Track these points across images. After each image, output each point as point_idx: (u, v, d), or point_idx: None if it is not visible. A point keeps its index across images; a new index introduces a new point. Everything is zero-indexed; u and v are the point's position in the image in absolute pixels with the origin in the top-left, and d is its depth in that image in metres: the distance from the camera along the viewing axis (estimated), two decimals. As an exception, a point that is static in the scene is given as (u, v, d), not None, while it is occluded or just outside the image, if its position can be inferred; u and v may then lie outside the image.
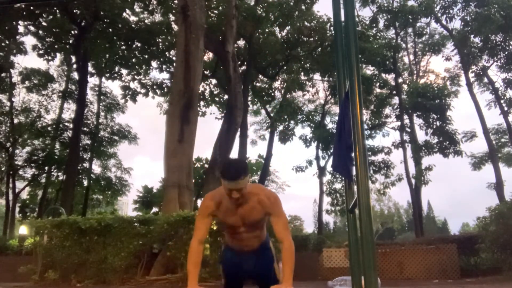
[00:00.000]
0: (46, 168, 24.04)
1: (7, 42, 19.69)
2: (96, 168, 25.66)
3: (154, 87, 22.95)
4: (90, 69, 22.66)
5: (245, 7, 19.65)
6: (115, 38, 21.21)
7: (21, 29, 20.43)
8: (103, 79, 24.38)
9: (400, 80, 22.13)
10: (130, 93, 23.07)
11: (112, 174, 26.09)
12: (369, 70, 21.29)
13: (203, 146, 58.60)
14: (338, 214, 23.29)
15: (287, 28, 21.25)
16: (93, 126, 24.76)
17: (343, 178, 3.47)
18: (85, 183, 24.16)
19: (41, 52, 21.19)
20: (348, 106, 2.71)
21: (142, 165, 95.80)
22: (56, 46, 21.66)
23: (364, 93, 19.16)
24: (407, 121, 20.82)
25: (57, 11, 19.71)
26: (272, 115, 24.54)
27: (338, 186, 21.90)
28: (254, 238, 2.81)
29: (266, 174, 23.75)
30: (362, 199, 2.31)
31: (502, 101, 19.59)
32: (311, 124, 24.27)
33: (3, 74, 21.30)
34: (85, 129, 23.43)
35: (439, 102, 18.94)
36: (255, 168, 28.29)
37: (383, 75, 21.64)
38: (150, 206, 29.38)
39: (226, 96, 20.28)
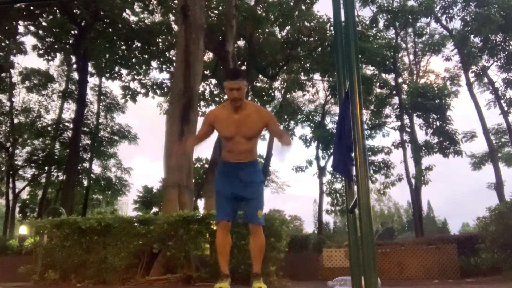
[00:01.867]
0: (46, 168, 24.04)
1: (7, 42, 19.69)
2: (96, 168, 25.70)
3: (154, 87, 22.95)
4: (90, 69, 22.65)
5: (245, 7, 19.64)
6: (115, 38, 21.20)
7: (21, 29, 20.47)
8: (103, 79, 24.39)
9: (400, 80, 22.13)
10: (130, 93, 23.06)
11: (112, 174, 26.13)
12: (369, 70, 21.29)
13: (203, 146, 58.53)
14: (338, 214, 23.29)
15: (287, 28, 21.25)
16: (93, 126, 24.75)
17: (343, 178, 3.47)
18: (85, 183, 24.15)
19: (41, 52, 21.18)
20: (348, 106, 2.70)
21: (141, 165, 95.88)
22: (56, 46, 21.65)
23: (364, 93, 19.16)
24: (407, 121, 20.81)
25: (57, 11, 19.71)
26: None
27: (338, 186, 21.91)
28: (247, 151, 3.21)
29: (266, 174, 23.75)
30: (362, 199, 2.31)
31: (502, 101, 19.59)
32: (311, 124, 24.28)
33: (3, 74, 21.29)
34: (85, 129, 23.42)
35: (439, 102, 18.94)
36: (255, 168, 28.25)
37: (383, 75, 21.64)
38: (150, 206, 29.38)
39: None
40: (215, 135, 3.38)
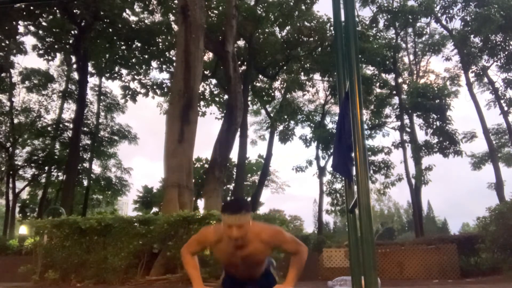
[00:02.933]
0: (46, 168, 24.04)
1: (7, 42, 19.69)
2: (96, 168, 25.70)
3: (154, 87, 22.96)
4: (90, 69, 22.66)
5: (245, 7, 19.64)
6: (115, 38, 21.21)
7: (21, 29, 20.48)
8: (103, 79, 24.39)
9: (400, 80, 22.12)
10: (130, 93, 23.07)
11: (112, 174, 26.13)
12: (369, 70, 21.28)
13: (203, 146, 58.59)
14: (338, 214, 23.27)
15: (287, 28, 21.26)
16: (93, 126, 24.75)
17: (343, 178, 3.47)
18: (85, 183, 24.16)
19: (41, 52, 21.20)
20: (348, 106, 2.70)
21: (141, 166, 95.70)
22: (56, 46, 21.66)
23: (364, 93, 19.16)
24: (407, 121, 20.80)
25: (57, 11, 19.71)
26: (272, 115, 24.54)
27: (338, 186, 21.89)
28: (255, 272, 2.70)
29: (266, 174, 23.76)
30: (362, 199, 2.31)
31: (502, 101, 19.59)
32: (311, 124, 24.27)
33: (3, 74, 21.29)
34: (85, 129, 23.43)
35: (439, 102, 18.93)
36: (255, 168, 28.31)
37: (383, 75, 21.63)
38: (150, 206, 29.39)
39: (226, 96, 20.29)
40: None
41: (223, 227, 2.40)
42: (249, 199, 22.03)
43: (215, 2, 19.91)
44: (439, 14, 20.43)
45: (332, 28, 14.71)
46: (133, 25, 21.22)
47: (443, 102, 18.98)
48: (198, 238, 2.66)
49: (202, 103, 22.46)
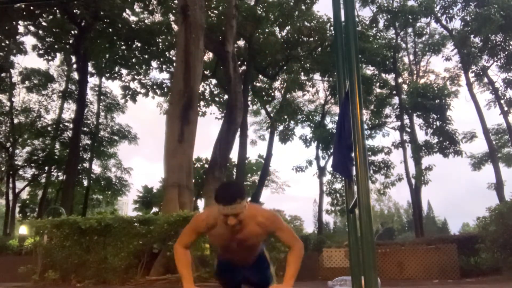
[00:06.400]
0: (46, 168, 24.05)
1: (7, 42, 19.69)
2: (96, 168, 25.71)
3: (154, 87, 22.95)
4: (90, 69, 22.66)
5: (245, 7, 19.64)
6: (115, 38, 21.19)
7: (21, 29, 20.47)
8: (103, 79, 24.39)
9: (400, 80, 22.12)
10: (130, 93, 23.07)
11: (112, 174, 26.14)
12: (369, 70, 21.29)
13: (203, 146, 58.67)
14: (338, 214, 23.28)
15: (287, 28, 21.25)
16: (93, 126, 24.76)
17: (343, 178, 3.47)
18: (85, 183, 24.17)
19: (41, 52, 21.20)
20: (348, 106, 2.71)
21: (140, 166, 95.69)
22: (56, 46, 21.66)
23: (364, 93, 19.15)
24: (407, 121, 20.80)
25: (57, 11, 19.71)
26: (272, 115, 24.54)
27: (338, 186, 21.88)
28: (249, 256, 2.72)
29: (266, 174, 23.75)
30: (362, 199, 2.31)
31: (502, 101, 19.58)
32: (311, 124, 24.27)
33: (3, 74, 21.30)
34: (85, 129, 23.44)
35: (439, 102, 18.93)
36: (255, 168, 28.32)
37: (383, 75, 21.63)
38: (150, 206, 29.41)
39: (226, 96, 20.28)
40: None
41: (218, 214, 2.38)
42: (249, 199, 22.02)
43: (215, 2, 19.89)
44: (439, 14, 20.43)
45: (332, 28, 14.72)
46: (133, 25, 21.20)
47: (443, 102, 18.98)
48: (191, 227, 2.63)
49: (202, 103, 22.45)
